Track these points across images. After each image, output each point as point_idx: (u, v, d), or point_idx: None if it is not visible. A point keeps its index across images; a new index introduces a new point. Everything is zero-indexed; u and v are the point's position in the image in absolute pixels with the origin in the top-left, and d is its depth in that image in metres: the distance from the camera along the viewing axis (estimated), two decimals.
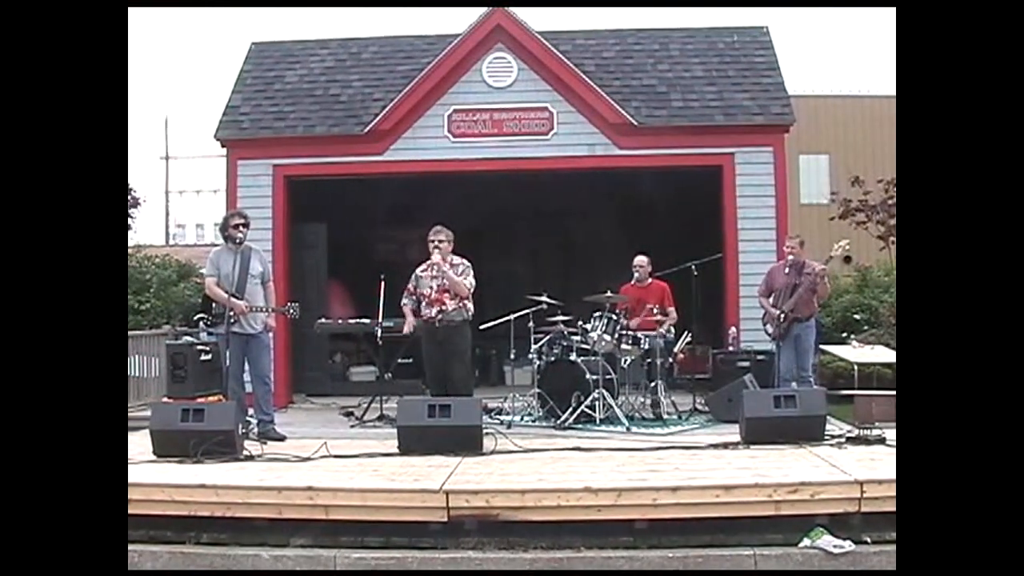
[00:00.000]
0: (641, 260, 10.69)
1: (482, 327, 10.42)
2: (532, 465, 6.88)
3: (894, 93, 24.54)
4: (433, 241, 9.07)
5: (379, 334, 10.33)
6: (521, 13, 12.65)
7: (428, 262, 9.15)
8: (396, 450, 7.42)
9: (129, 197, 17.06)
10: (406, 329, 9.34)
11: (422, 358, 9.33)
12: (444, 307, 9.02)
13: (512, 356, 11.07)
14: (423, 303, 9.15)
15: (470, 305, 9.19)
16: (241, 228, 8.62)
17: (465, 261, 9.26)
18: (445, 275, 8.98)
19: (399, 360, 11.14)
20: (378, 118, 12.49)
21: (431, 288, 9.10)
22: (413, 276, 9.31)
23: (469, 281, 9.11)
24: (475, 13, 12.70)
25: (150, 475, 6.37)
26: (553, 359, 10.13)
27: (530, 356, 10.37)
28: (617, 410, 9.35)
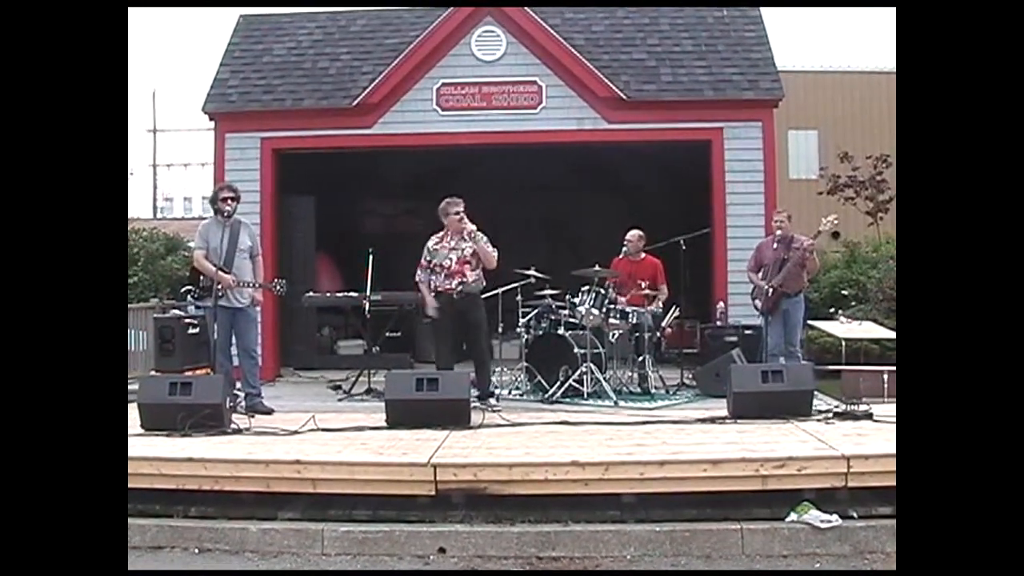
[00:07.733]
0: (634, 234, 10.65)
1: None
2: (520, 439, 6.87)
3: (883, 69, 24.51)
4: (457, 213, 8.92)
5: (367, 307, 10.33)
6: None
7: (441, 233, 9.04)
8: (384, 424, 7.40)
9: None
10: (429, 311, 9.09)
11: (415, 332, 9.22)
12: (464, 279, 8.90)
13: (500, 330, 11.06)
14: (441, 275, 8.95)
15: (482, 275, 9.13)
16: (230, 202, 8.58)
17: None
18: (478, 246, 8.87)
19: (387, 333, 11.14)
20: (366, 91, 12.44)
21: (450, 260, 8.93)
22: (426, 249, 9.10)
23: (494, 250, 9.02)
24: None
25: (138, 449, 6.34)
26: (541, 333, 10.14)
27: (518, 330, 10.37)
28: (605, 384, 9.37)
